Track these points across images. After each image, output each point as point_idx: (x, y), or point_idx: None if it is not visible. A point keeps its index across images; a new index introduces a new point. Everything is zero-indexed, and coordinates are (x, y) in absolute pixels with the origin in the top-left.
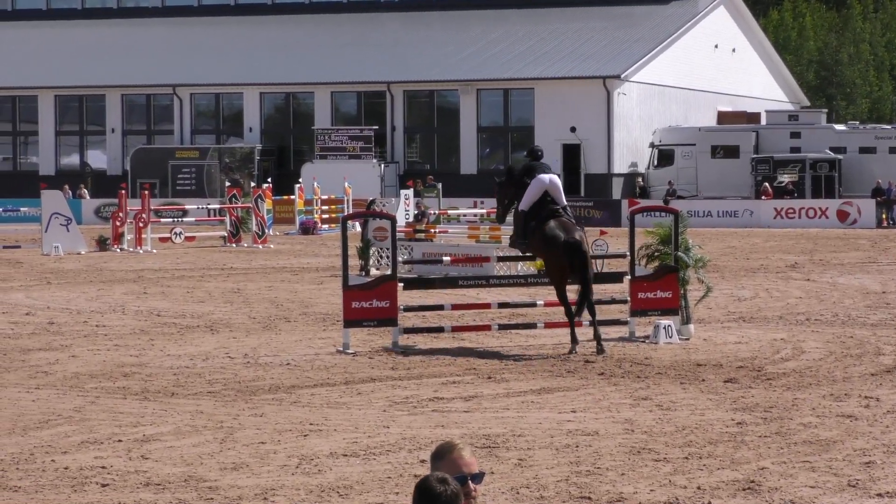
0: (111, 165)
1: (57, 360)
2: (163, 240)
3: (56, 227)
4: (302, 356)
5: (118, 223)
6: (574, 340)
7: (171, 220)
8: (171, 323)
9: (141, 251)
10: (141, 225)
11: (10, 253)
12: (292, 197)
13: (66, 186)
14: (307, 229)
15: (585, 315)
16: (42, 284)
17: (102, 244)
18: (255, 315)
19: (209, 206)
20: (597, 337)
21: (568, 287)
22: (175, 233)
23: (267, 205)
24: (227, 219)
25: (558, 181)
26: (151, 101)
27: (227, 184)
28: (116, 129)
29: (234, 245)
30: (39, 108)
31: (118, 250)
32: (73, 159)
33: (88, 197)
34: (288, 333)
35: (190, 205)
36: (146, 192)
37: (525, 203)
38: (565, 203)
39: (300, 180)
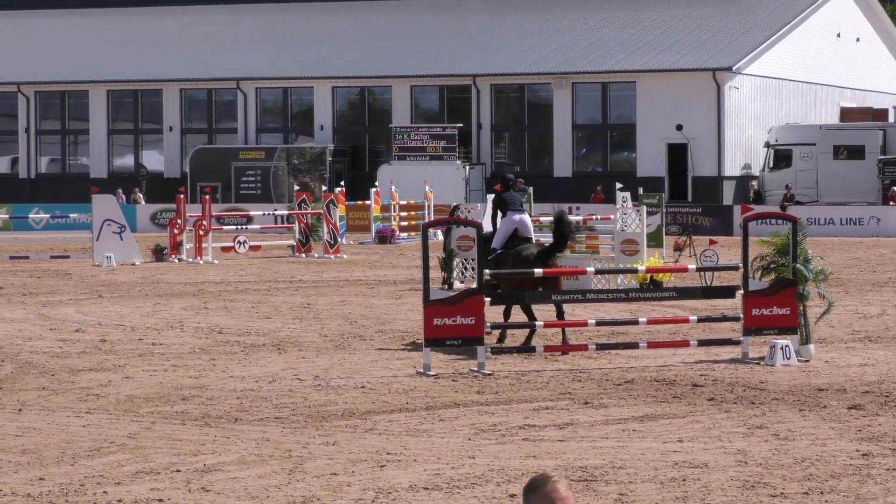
0: (169, 167)
1: (109, 381)
2: (225, 249)
3: (108, 235)
4: (378, 378)
5: (176, 231)
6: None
7: (234, 227)
8: (234, 341)
9: (201, 262)
10: (201, 233)
11: (59, 263)
12: (367, 202)
13: (120, 190)
14: (384, 238)
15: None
16: (93, 298)
17: (159, 254)
18: (326, 333)
19: (276, 213)
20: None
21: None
22: (239, 242)
23: (339, 211)
24: (295, 226)
25: (528, 220)
26: (213, 97)
27: (296, 188)
28: (174, 127)
29: (303, 255)
30: (90, 104)
31: (176, 261)
32: (126, 160)
33: (144, 202)
34: (363, 353)
35: (255, 211)
36: (207, 196)
37: (497, 242)
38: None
39: (376, 184)
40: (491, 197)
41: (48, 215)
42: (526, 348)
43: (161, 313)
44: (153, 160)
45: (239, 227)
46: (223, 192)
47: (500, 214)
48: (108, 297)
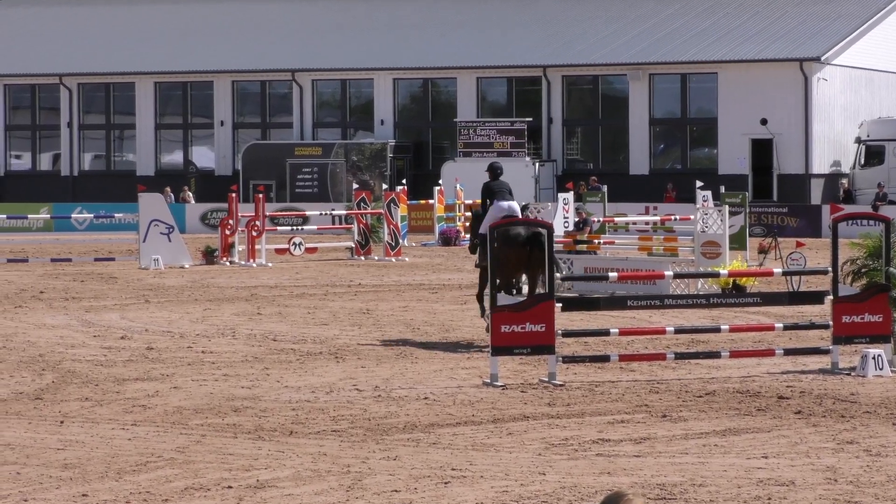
0: (220, 164)
1: (157, 391)
2: (280, 251)
3: (156, 236)
4: (442, 389)
5: (228, 232)
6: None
7: (289, 228)
8: (289, 349)
9: (254, 265)
10: (254, 234)
11: (104, 266)
12: (431, 201)
13: (168, 189)
14: (448, 239)
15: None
16: (139, 303)
17: (209, 256)
18: (387, 340)
19: (334, 213)
20: None
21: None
22: (294, 243)
23: (401, 211)
24: (354, 227)
25: (516, 207)
26: (267, 89)
27: (355, 186)
28: (226, 121)
29: (362, 258)
30: (137, 97)
31: (227, 263)
32: (175, 157)
33: (193, 201)
34: (426, 362)
35: (311, 211)
36: (260, 195)
37: (485, 227)
38: None
39: (440, 182)
40: (562, 196)
41: (92, 215)
42: (599, 357)
43: (211, 319)
44: (203, 157)
45: (294, 227)
46: (277, 191)
47: (488, 203)
48: (155, 302)
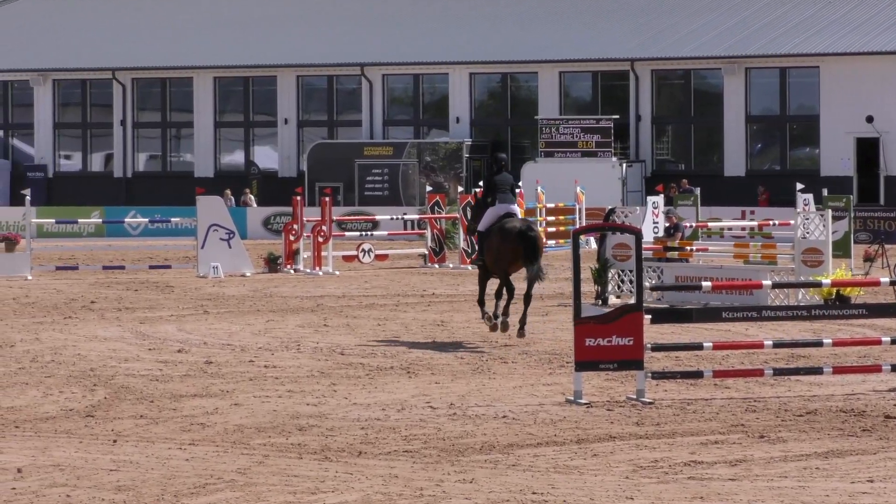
0: (283, 165)
1: (216, 409)
2: (347, 258)
3: (215, 241)
4: (522, 407)
5: (292, 237)
6: (503, 314)
7: (357, 233)
8: (357, 363)
9: (320, 272)
10: (320, 240)
11: (159, 274)
12: None
13: (228, 191)
14: None
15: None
16: (197, 314)
17: (272, 264)
18: (462, 354)
19: (406, 217)
20: (522, 322)
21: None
22: (363, 250)
23: None
24: (428, 232)
25: (517, 210)
26: (334, 85)
27: (429, 188)
28: (290, 119)
29: (436, 265)
30: (195, 93)
31: (292, 271)
32: (235, 157)
33: (255, 204)
34: (504, 377)
35: (382, 215)
36: (327, 198)
37: (483, 225)
38: None
39: (519, 184)
40: (652, 199)
41: (146, 220)
42: (692, 373)
43: (275, 331)
44: (266, 157)
45: (363, 233)
46: (345, 194)
47: (489, 200)
48: (214, 312)
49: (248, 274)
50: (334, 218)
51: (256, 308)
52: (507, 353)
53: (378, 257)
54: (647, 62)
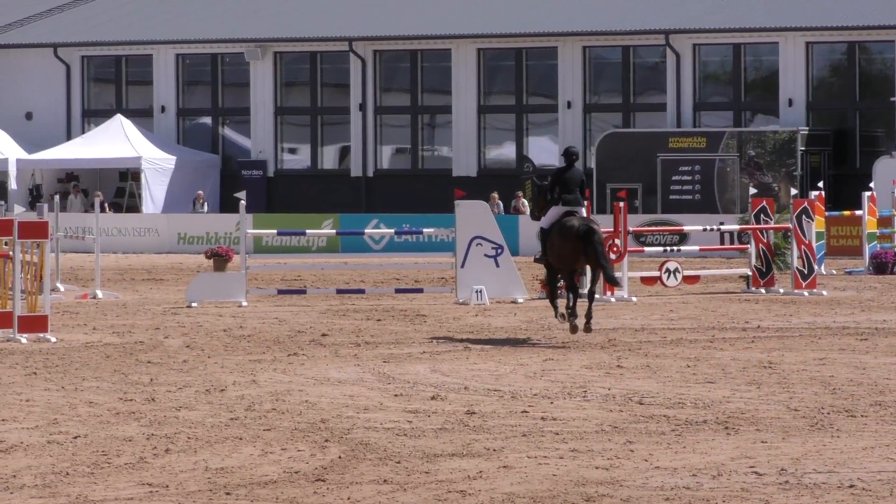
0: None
1: (480, 472)
2: (647, 281)
3: (478, 258)
4: (874, 474)
5: None
6: (572, 314)
7: (660, 249)
8: (660, 416)
9: (612, 299)
10: (613, 256)
11: (408, 300)
12: (858, 213)
13: (495, 195)
14: (883, 265)
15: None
16: (456, 350)
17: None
18: (796, 405)
19: (722, 228)
20: (588, 317)
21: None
22: (667, 270)
23: (817, 226)
24: (751, 248)
25: (581, 210)
26: (630, 57)
27: (753, 191)
28: (574, 101)
29: (762, 290)
30: (454, 69)
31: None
32: (504, 151)
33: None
34: (851, 436)
35: (691, 225)
36: (621, 203)
37: (546, 222)
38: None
39: (871, 185)
40: None
41: (392, 230)
42: None
43: (554, 373)
44: (543, 150)
45: (668, 248)
46: (644, 198)
47: (555, 193)
48: (477, 349)
49: (520, 300)
50: (630, 229)
51: (531, 344)
52: (856, 405)
53: (687, 279)
54: None
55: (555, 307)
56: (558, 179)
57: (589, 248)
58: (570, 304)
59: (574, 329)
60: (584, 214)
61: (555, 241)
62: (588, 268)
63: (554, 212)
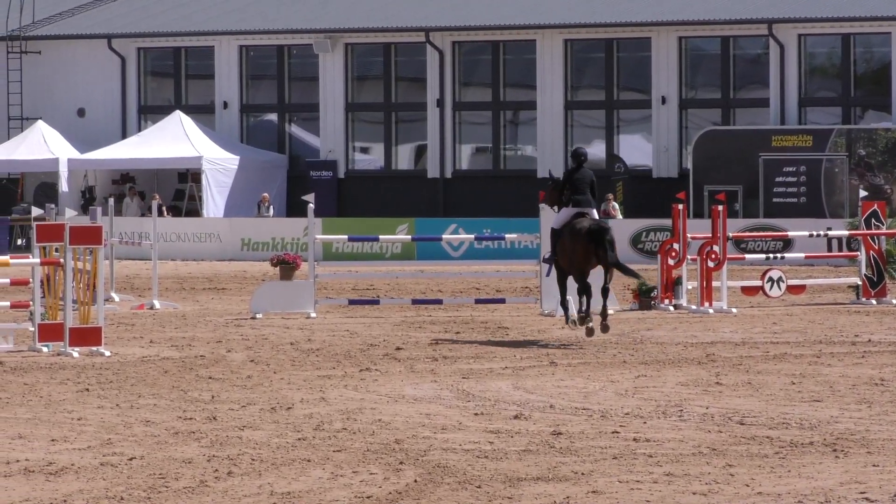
0: (659, 160)
1: (567, 497)
2: (749, 291)
3: None
4: None
5: (671, 261)
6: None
7: (762, 256)
8: (763, 437)
9: (710, 310)
10: (711, 265)
11: (489, 311)
12: None
13: (610, 196)
14: None
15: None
16: (541, 366)
17: (644, 297)
18: None
19: (830, 233)
20: (604, 315)
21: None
22: (771, 279)
23: None
24: (861, 255)
25: (593, 212)
26: (730, 48)
27: (863, 194)
28: (669, 96)
29: (873, 301)
30: (538, 59)
31: (671, 308)
32: (595, 150)
33: (620, 215)
34: None
35: (796, 230)
36: (720, 207)
37: (557, 222)
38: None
39: None
40: None
41: (472, 236)
42: None
43: (647, 391)
44: (635, 149)
45: (771, 255)
46: (745, 200)
47: (565, 194)
48: (564, 364)
49: (610, 311)
50: (730, 234)
51: (622, 359)
52: None
53: (791, 289)
54: None
55: (565, 311)
56: (568, 181)
57: (600, 248)
58: (584, 308)
59: (591, 332)
60: (595, 215)
61: (566, 242)
62: (602, 265)
63: (565, 213)
